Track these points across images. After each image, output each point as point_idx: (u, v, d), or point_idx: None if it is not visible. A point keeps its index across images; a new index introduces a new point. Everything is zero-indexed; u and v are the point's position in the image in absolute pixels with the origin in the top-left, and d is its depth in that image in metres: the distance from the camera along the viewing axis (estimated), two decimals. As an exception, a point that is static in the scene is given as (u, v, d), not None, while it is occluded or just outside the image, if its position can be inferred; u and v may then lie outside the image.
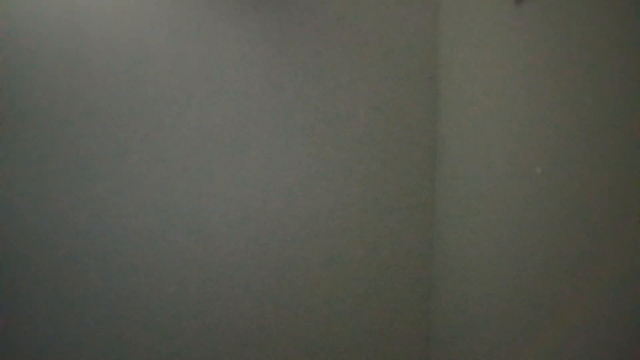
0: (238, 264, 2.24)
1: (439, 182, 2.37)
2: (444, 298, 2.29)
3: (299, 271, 2.29)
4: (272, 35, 2.28)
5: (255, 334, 2.26)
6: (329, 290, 2.32)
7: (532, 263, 1.74)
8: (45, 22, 2.10)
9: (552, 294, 1.64)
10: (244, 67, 2.25)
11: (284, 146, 2.28)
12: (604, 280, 1.44)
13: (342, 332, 2.33)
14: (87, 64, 2.13)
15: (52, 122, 2.11)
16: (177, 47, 2.20)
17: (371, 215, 2.35)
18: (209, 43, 2.22)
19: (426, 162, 2.40)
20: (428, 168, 2.40)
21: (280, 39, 2.28)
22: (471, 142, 2.12)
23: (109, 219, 2.15)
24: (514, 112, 1.86)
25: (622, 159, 1.39)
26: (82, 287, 2.13)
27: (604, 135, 1.46)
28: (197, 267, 2.21)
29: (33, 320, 2.09)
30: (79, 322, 2.12)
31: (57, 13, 2.11)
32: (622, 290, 1.37)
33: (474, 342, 2.05)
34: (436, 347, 2.34)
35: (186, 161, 2.20)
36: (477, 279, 2.04)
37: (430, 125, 2.40)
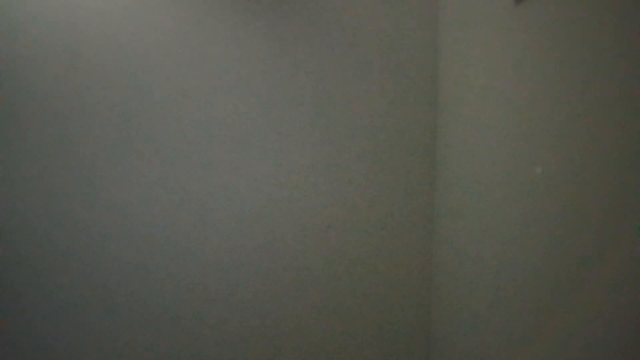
0: (238, 261, 2.24)
1: (439, 182, 2.37)
2: (444, 298, 2.29)
3: (299, 270, 2.30)
4: (271, 34, 2.28)
5: (255, 334, 2.26)
6: (328, 290, 2.32)
7: (532, 263, 1.74)
8: (45, 21, 2.10)
9: (552, 294, 1.64)
10: (245, 65, 2.25)
11: (283, 146, 2.28)
12: (604, 280, 1.44)
13: (342, 332, 2.33)
14: (87, 63, 2.13)
15: (52, 121, 2.11)
16: (177, 45, 2.20)
17: (371, 215, 2.35)
18: (208, 42, 2.22)
19: (426, 162, 2.40)
20: (428, 168, 2.40)
21: (279, 38, 2.28)
22: (471, 142, 2.12)
23: (108, 217, 2.15)
24: (514, 112, 1.86)
25: (622, 159, 1.39)
26: (82, 286, 2.13)
27: (604, 135, 1.46)
28: (198, 264, 2.21)
29: (33, 320, 2.09)
30: (79, 321, 2.12)
31: (57, 12, 2.11)
32: (622, 290, 1.37)
33: (474, 342, 2.05)
34: (436, 347, 2.34)
35: (187, 159, 2.20)
36: (477, 279, 2.04)
37: (430, 125, 2.40)
